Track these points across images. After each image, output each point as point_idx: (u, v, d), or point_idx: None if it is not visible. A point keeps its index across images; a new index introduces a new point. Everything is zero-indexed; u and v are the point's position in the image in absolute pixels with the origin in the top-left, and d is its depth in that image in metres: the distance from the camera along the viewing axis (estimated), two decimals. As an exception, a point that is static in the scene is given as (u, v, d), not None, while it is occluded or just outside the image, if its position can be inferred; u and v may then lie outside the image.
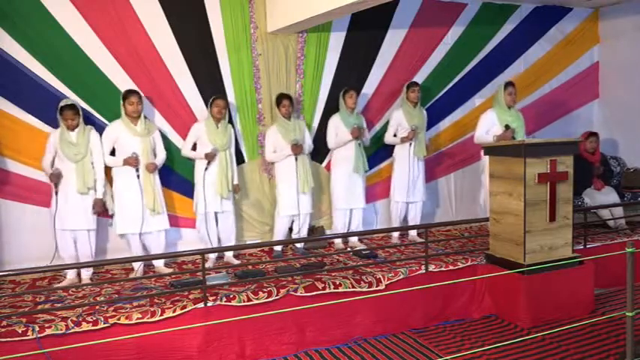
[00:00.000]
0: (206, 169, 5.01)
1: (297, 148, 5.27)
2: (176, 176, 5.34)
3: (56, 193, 4.55)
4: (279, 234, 5.46)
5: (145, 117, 4.89)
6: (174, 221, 5.27)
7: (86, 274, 4.69)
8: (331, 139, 5.65)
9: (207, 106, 5.18)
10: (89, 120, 4.99)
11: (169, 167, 5.23)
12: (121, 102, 4.77)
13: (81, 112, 4.63)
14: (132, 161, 4.70)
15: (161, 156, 4.97)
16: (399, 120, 5.77)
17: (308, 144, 5.51)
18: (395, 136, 5.82)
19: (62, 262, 4.59)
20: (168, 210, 5.06)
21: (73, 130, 4.58)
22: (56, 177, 4.53)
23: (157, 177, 4.91)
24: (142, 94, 4.86)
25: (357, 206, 5.69)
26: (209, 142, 5.02)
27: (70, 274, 4.67)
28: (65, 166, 4.56)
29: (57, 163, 4.60)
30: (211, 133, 5.03)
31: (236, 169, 5.28)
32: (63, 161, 4.57)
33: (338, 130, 5.59)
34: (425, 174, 5.95)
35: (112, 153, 4.81)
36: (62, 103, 4.58)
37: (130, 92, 4.76)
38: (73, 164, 4.55)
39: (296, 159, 5.29)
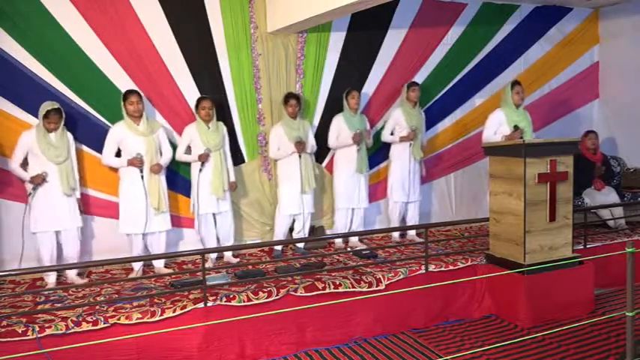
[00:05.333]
0: (200, 170, 4.99)
1: (300, 146, 5.26)
2: (177, 177, 5.33)
3: (32, 195, 4.46)
4: (280, 233, 5.46)
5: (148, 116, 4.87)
6: (176, 221, 5.26)
7: (73, 272, 4.67)
8: (332, 140, 5.65)
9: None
10: (89, 120, 5.00)
11: (170, 168, 5.21)
12: (122, 103, 4.75)
13: (64, 116, 4.57)
14: (136, 162, 4.69)
15: (167, 155, 4.96)
16: (398, 119, 5.76)
17: (311, 144, 5.51)
18: (392, 134, 5.81)
19: (42, 265, 4.52)
20: (171, 210, 5.05)
21: (52, 132, 4.52)
22: (42, 179, 4.45)
23: (163, 177, 4.91)
24: (141, 93, 4.85)
25: (360, 206, 5.69)
26: (202, 144, 5.00)
27: (52, 278, 4.62)
28: (44, 167, 4.48)
29: (34, 165, 4.52)
30: (203, 135, 5.01)
31: (232, 166, 5.25)
32: (41, 162, 4.49)
33: (340, 131, 5.59)
34: (420, 174, 5.95)
35: (118, 154, 4.80)
36: (49, 107, 4.46)
37: (129, 92, 4.75)
38: (55, 166, 4.51)
39: (300, 157, 5.30)
